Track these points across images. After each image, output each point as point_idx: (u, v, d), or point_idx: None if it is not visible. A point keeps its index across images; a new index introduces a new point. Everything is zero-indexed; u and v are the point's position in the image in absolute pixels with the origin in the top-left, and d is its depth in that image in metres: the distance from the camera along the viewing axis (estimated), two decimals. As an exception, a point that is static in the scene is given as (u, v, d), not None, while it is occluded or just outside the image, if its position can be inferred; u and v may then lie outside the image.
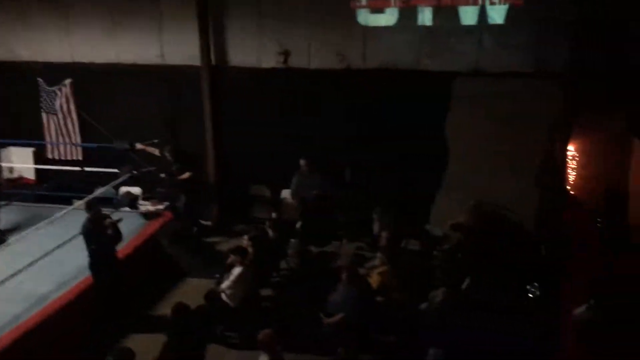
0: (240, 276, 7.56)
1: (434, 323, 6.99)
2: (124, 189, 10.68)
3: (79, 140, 11.80)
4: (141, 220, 9.97)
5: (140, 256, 8.97)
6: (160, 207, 10.37)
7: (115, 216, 8.16)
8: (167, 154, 10.12)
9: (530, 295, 7.91)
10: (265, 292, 8.56)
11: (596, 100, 8.63)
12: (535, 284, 7.91)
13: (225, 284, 7.62)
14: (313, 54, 10.43)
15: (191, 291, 8.58)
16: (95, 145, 11.21)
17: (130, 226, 9.40)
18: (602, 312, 5.40)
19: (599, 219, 7.80)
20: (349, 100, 10.33)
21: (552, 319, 6.91)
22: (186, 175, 10.05)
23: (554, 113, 9.08)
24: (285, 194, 10.75)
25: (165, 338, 6.22)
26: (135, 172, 10.79)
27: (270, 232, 9.00)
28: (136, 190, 10.73)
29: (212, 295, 7.76)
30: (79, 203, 9.43)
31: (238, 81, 10.79)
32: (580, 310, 5.56)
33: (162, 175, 10.39)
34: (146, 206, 10.40)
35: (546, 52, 9.22)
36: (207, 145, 11.06)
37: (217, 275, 8.05)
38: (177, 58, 10.94)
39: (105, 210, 8.45)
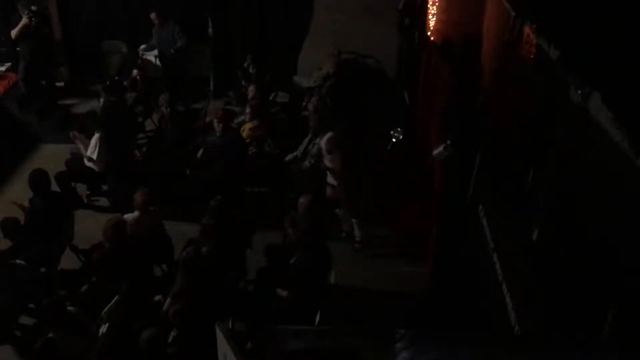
0: (101, 140, 7.16)
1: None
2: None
3: None
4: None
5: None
6: (1, 68, 9.33)
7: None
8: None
9: (394, 139, 8.30)
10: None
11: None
12: (399, 128, 8.29)
13: (88, 151, 7.21)
14: None
15: (49, 158, 8.07)
16: None
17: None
18: (457, 150, 5.83)
19: (454, 63, 8.15)
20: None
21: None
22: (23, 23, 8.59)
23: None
24: (144, 49, 10.07)
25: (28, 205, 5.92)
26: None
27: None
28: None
29: (74, 161, 7.36)
30: None
31: None
32: (438, 150, 5.95)
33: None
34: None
35: None
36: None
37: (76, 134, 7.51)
38: None
39: None
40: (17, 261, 5.35)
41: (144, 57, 10.07)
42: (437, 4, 8.64)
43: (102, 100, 7.92)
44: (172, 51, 9.41)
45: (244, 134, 7.67)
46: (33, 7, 8.60)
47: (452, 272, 5.76)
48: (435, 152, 6.00)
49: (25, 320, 5.48)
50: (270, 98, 8.93)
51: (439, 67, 6.56)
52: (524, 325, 4.58)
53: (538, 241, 4.84)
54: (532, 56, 5.11)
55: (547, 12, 4.87)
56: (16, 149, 8.35)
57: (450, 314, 5.30)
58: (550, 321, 4.26)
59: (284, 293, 5.23)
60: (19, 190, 6.87)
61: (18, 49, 9.14)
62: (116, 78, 9.21)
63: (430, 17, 8.69)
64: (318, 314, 5.08)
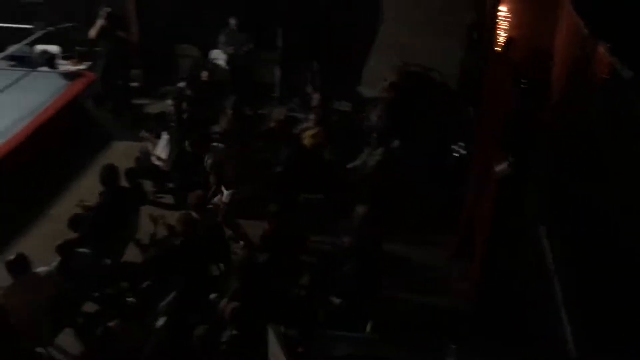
0: (170, 139, 7.42)
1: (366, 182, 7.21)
2: (39, 47, 9.94)
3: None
4: (62, 81, 9.39)
5: (63, 119, 8.58)
6: (82, 66, 9.80)
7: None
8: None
9: (456, 154, 8.21)
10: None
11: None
12: (461, 143, 8.20)
13: (157, 150, 7.49)
14: None
15: (119, 155, 8.39)
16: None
17: (51, 87, 8.91)
18: (520, 167, 5.71)
19: (523, 80, 7.98)
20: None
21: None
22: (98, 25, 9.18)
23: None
24: (215, 54, 10.38)
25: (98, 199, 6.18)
26: (51, 28, 10.00)
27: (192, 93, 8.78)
28: (54, 48, 10.00)
29: (143, 159, 7.64)
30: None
31: None
32: (501, 166, 5.83)
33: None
34: (66, 66, 9.80)
35: None
36: (128, 2, 10.34)
37: (145, 133, 7.80)
38: None
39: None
40: (84, 250, 5.61)
41: (214, 61, 10.39)
42: (509, 19, 8.50)
43: (169, 101, 8.19)
44: (244, 51, 9.75)
45: (305, 141, 7.76)
46: (108, 9, 9.06)
47: (500, 290, 5.63)
48: (497, 168, 5.89)
49: (88, 307, 5.71)
50: (333, 106, 9.00)
51: (502, 81, 6.46)
52: (582, 353, 4.44)
53: (603, 265, 4.68)
54: (603, 75, 4.96)
55: (621, 31, 4.74)
56: (90, 145, 8.75)
57: (499, 332, 5.18)
58: (612, 352, 4.11)
59: (337, 300, 5.26)
60: (91, 184, 7.19)
61: (98, 49, 9.62)
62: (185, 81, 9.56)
63: (500, 32, 8.56)
64: (369, 323, 5.07)
